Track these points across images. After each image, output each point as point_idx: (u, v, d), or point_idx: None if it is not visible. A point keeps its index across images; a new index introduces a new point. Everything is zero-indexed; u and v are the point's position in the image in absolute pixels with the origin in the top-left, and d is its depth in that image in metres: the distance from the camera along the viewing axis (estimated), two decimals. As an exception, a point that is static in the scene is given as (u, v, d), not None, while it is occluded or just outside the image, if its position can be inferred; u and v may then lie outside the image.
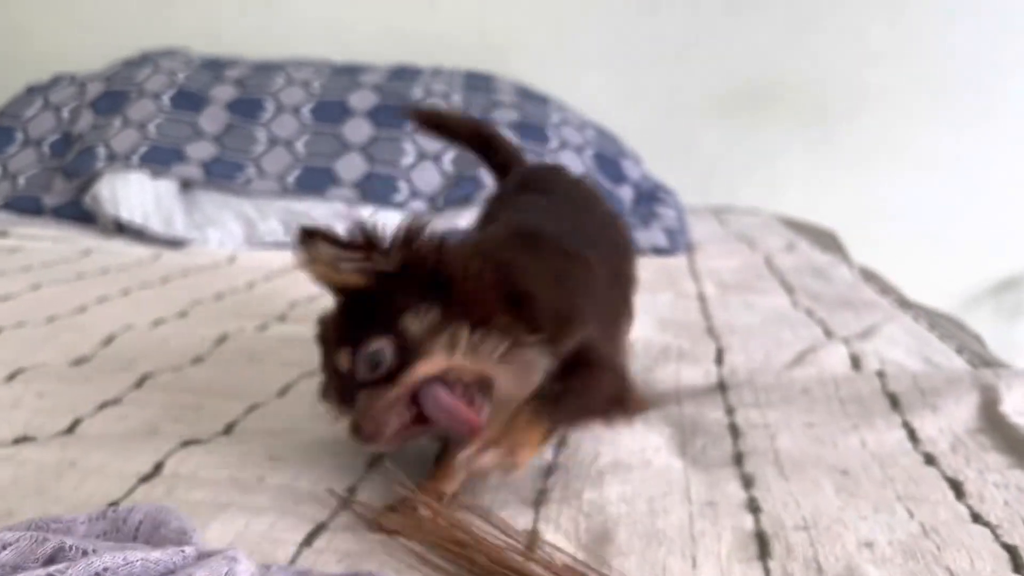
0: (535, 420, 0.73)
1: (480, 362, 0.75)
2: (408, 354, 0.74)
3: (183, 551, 0.51)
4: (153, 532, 0.61)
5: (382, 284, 0.77)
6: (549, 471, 0.84)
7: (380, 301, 0.77)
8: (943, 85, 2.62)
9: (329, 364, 0.79)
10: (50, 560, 0.51)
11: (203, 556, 0.52)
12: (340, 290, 0.80)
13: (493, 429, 0.71)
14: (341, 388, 0.77)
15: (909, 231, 2.66)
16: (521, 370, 0.77)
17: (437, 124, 1.38)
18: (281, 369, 1.16)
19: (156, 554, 0.50)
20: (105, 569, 0.48)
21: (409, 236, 0.78)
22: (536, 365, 0.77)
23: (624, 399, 0.83)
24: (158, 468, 0.82)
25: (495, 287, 0.78)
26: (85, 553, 0.51)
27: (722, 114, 2.70)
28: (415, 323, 0.74)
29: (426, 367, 0.74)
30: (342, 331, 0.78)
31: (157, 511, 0.63)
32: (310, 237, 0.77)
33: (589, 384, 0.79)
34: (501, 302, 0.77)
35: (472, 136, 1.34)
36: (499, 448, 0.68)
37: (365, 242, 0.78)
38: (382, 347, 0.73)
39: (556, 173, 1.28)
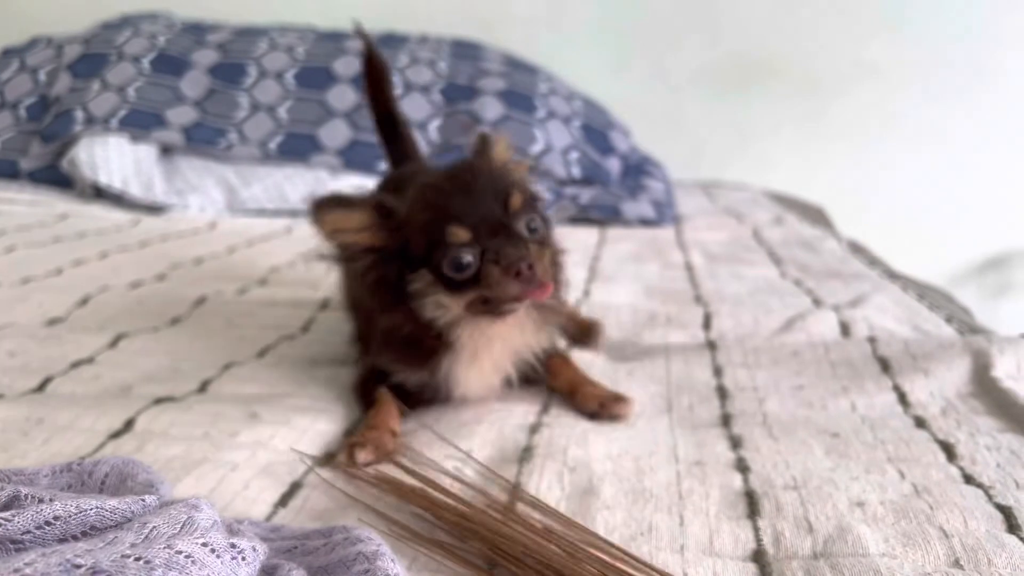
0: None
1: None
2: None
3: (143, 500, 0.48)
4: (120, 485, 0.58)
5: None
6: (534, 429, 0.82)
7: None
8: (933, 63, 2.59)
9: (479, 191, 0.80)
10: (3, 509, 0.48)
11: (165, 506, 0.49)
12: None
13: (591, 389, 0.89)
14: (492, 221, 0.79)
15: (895, 209, 2.64)
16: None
17: (377, 72, 1.23)
18: (260, 332, 1.13)
19: (113, 502, 0.47)
20: (56, 518, 0.45)
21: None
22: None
23: None
24: (129, 424, 0.79)
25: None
26: (40, 501, 0.48)
27: (712, 89, 2.67)
28: (541, 224, 0.83)
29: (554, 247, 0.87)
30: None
31: (124, 464, 0.60)
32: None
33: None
34: None
35: (388, 113, 1.24)
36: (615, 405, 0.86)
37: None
38: (542, 217, 0.83)
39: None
